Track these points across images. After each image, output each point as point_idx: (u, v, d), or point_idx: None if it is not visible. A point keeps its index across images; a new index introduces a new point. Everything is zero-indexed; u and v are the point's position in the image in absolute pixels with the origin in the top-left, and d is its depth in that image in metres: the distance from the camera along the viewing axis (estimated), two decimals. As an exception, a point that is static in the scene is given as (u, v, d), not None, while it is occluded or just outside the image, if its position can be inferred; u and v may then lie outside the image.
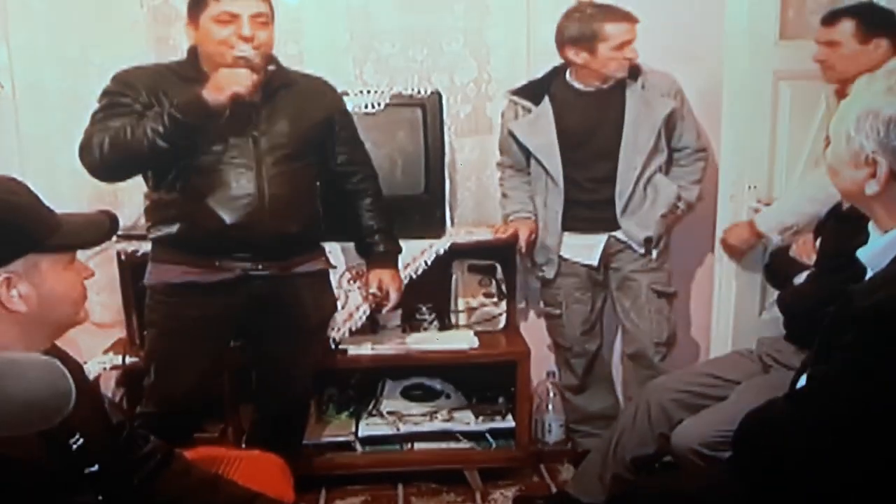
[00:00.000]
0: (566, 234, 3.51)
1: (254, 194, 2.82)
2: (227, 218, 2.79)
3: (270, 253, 2.90)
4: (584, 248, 3.51)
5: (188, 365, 2.93)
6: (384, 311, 3.33)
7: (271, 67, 2.92)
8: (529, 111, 3.48)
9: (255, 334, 3.08)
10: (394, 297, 3.18)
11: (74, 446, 1.65)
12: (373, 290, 3.17)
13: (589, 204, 3.45)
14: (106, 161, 2.73)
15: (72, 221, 1.69)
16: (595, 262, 3.51)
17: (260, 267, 2.90)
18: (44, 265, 1.60)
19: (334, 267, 3.25)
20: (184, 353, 2.92)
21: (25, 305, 1.57)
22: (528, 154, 3.52)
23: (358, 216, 3.15)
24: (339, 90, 3.35)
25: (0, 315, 1.56)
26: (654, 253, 3.46)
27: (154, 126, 2.68)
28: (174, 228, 2.86)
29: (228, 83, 2.69)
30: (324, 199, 3.09)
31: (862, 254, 1.80)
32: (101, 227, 1.76)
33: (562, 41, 3.33)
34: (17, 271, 1.56)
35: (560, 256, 3.54)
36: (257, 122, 2.86)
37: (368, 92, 3.47)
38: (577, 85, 3.44)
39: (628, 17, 3.26)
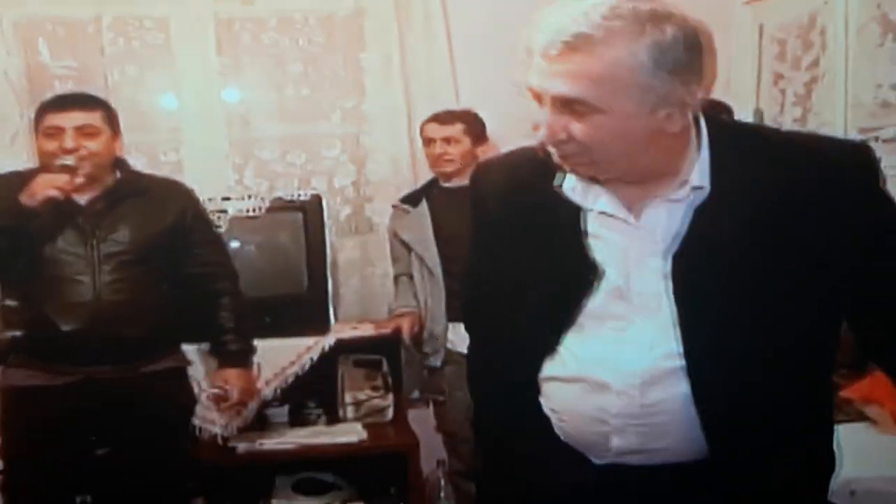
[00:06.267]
0: (451, 323, 3.64)
1: (90, 301, 2.87)
2: (63, 325, 2.83)
3: (112, 357, 2.90)
4: (463, 338, 3.59)
5: (41, 471, 2.92)
6: (220, 408, 3.24)
7: (118, 175, 3.03)
8: (409, 212, 3.70)
9: (113, 439, 3.04)
10: (235, 395, 3.14)
11: None
12: (214, 389, 3.15)
13: (467, 295, 3.60)
14: None
15: None
16: (473, 352, 3.63)
17: (104, 369, 2.88)
18: None
19: (189, 363, 3.23)
20: (36, 459, 2.91)
21: None
22: (410, 251, 3.70)
23: (213, 316, 3.15)
24: (220, 195, 3.46)
25: None
26: None
27: None
28: (18, 333, 2.90)
29: (42, 187, 2.77)
30: (179, 301, 3.10)
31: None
32: None
33: None
34: None
35: (445, 346, 3.67)
36: (96, 229, 2.91)
37: (250, 197, 3.59)
38: (445, 185, 3.69)
39: (439, 118, 3.62)
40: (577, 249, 1.58)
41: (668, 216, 1.54)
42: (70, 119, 2.89)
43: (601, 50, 1.37)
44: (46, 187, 2.78)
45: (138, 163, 3.79)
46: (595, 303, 1.58)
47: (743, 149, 1.53)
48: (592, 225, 1.58)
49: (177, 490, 3.17)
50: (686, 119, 1.46)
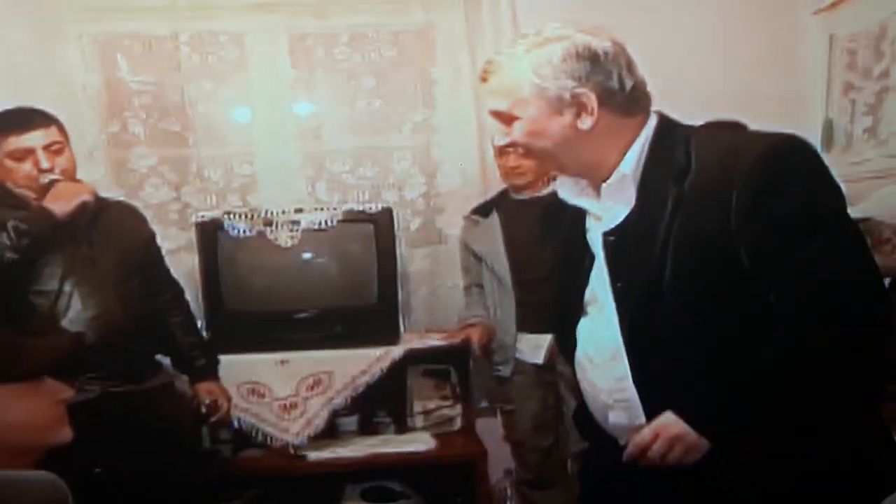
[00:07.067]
0: (520, 333, 3.66)
1: (104, 313, 2.84)
2: (70, 343, 2.73)
3: (125, 370, 2.88)
4: (532, 348, 3.66)
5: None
6: (212, 419, 3.29)
7: None
8: (479, 223, 3.74)
9: (121, 457, 2.86)
10: (225, 405, 3.25)
11: None
12: (208, 401, 3.21)
13: (536, 305, 3.60)
14: None
15: (33, 346, 1.73)
16: (540, 361, 3.63)
17: (118, 383, 2.85)
18: None
19: (175, 377, 3.26)
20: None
21: None
22: (481, 262, 3.73)
23: (171, 332, 3.20)
24: (294, 207, 3.54)
25: None
26: None
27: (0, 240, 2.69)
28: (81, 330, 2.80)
29: (74, 193, 2.79)
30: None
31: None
32: (62, 351, 1.80)
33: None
34: None
35: (514, 356, 3.69)
36: (89, 244, 2.89)
37: (322, 209, 3.64)
38: (515, 196, 3.71)
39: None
40: (583, 245, 1.88)
41: (625, 203, 1.78)
42: (36, 138, 2.81)
43: (501, 70, 1.78)
44: (78, 193, 2.80)
45: (214, 176, 3.93)
46: (590, 288, 1.86)
47: (677, 144, 1.75)
48: (588, 221, 1.89)
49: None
50: (594, 117, 1.73)
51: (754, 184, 1.61)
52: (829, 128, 3.86)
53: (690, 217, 1.68)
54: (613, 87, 1.72)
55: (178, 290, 3.30)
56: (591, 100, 1.72)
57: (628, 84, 1.74)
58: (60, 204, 2.76)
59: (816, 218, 1.63)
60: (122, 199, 3.28)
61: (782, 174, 1.61)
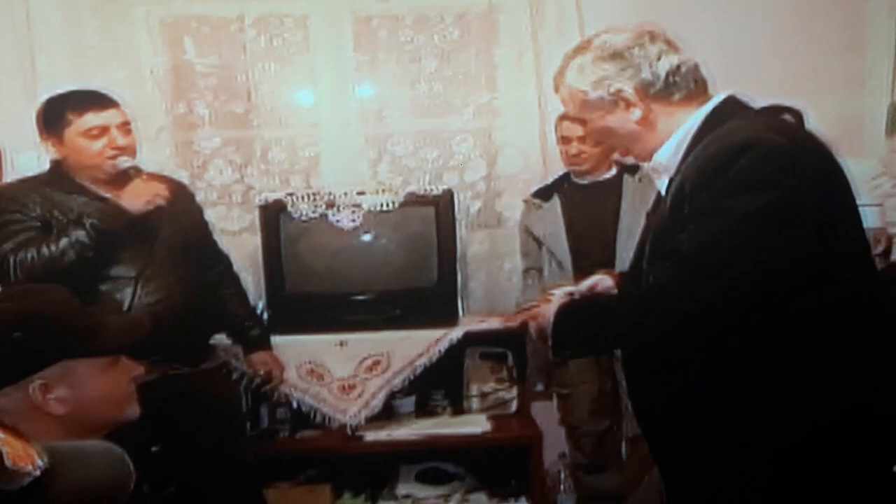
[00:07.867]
0: (578, 317, 3.65)
1: (166, 298, 2.86)
2: (147, 323, 2.78)
3: (183, 353, 2.89)
4: (592, 334, 3.64)
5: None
6: (266, 388, 3.41)
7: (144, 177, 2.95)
8: (541, 207, 3.72)
9: (178, 437, 2.90)
10: (279, 375, 3.35)
11: None
12: (262, 371, 3.29)
13: (594, 289, 3.61)
14: (30, 278, 2.68)
15: (113, 324, 1.78)
16: (597, 346, 3.64)
17: (175, 366, 2.85)
18: (79, 369, 1.66)
19: (228, 358, 3.32)
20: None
21: (64, 408, 1.63)
22: (541, 245, 3.72)
23: (224, 304, 3.23)
24: (356, 190, 3.56)
25: (42, 416, 1.61)
26: None
27: (79, 238, 2.72)
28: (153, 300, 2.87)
29: (151, 194, 2.82)
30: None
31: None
32: (140, 330, 1.86)
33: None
34: (52, 376, 1.62)
35: (573, 339, 3.68)
36: (148, 228, 2.90)
37: (384, 191, 3.66)
38: (577, 180, 3.69)
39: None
40: None
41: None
42: (111, 117, 2.85)
43: (558, 83, 1.94)
44: (154, 194, 2.84)
45: (277, 158, 3.97)
46: None
47: (709, 131, 1.80)
48: None
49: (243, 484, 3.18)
50: (641, 108, 1.84)
51: (699, 179, 1.71)
52: (893, 111, 3.80)
53: (671, 205, 1.79)
54: (648, 78, 1.83)
55: (227, 263, 3.33)
56: (630, 93, 1.83)
57: (662, 71, 1.82)
58: (136, 203, 2.82)
59: (719, 207, 1.68)
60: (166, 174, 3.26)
61: (717, 173, 1.68)
